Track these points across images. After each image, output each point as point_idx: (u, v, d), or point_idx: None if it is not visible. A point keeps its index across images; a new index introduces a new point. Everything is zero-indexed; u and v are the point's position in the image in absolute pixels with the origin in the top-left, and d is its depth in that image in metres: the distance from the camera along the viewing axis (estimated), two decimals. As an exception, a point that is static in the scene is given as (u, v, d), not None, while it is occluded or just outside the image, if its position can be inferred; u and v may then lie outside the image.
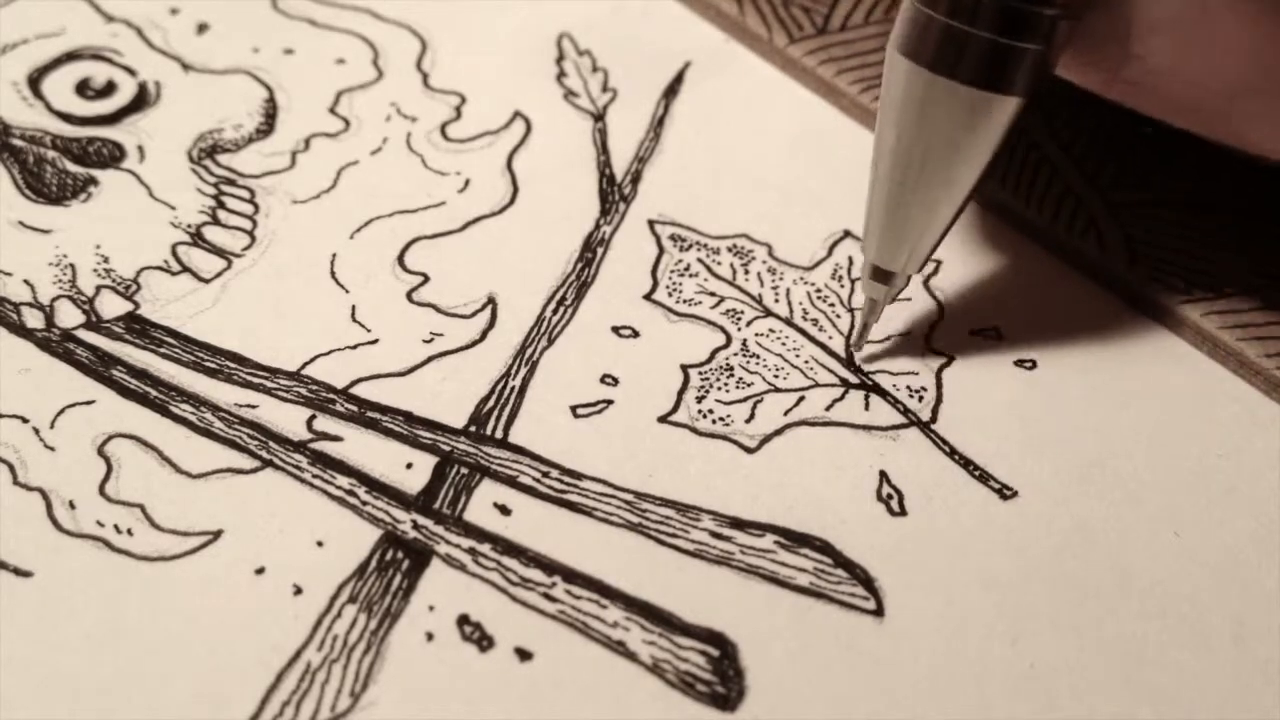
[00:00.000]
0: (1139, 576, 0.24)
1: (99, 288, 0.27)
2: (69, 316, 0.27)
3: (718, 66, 0.32)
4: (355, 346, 0.26)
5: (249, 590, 0.23)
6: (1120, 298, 0.28)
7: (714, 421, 0.25)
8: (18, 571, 0.23)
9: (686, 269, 0.28)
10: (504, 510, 0.24)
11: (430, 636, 0.22)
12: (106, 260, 0.28)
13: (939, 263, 0.28)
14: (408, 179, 0.30)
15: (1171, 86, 0.22)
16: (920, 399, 0.26)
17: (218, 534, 0.23)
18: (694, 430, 0.25)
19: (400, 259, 0.28)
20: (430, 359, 0.26)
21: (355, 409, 0.25)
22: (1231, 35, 0.21)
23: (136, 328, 0.27)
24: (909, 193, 0.23)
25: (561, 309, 0.27)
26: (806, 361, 0.27)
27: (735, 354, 0.27)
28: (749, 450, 0.25)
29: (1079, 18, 0.22)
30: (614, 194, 0.29)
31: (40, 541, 0.23)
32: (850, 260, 0.28)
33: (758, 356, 0.27)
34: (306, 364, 0.26)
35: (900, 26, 0.23)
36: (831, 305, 0.27)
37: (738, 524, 0.24)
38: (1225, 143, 0.23)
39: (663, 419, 0.25)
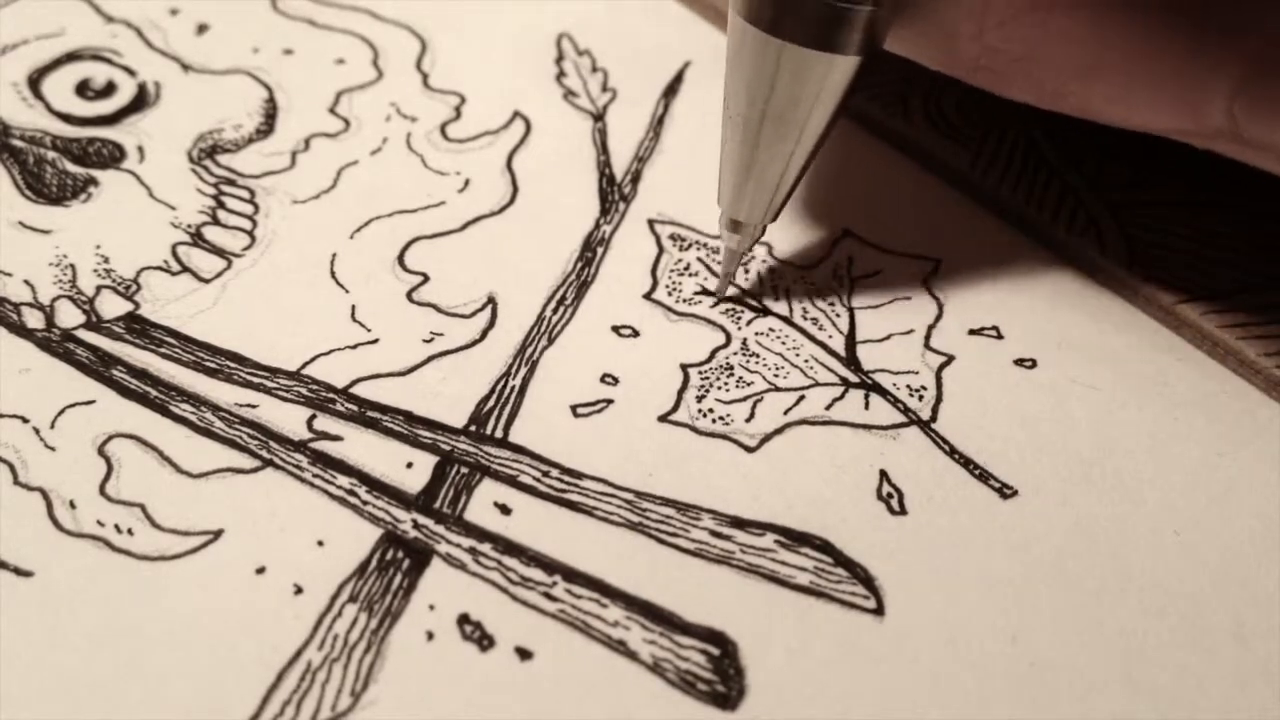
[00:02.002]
0: (1139, 575, 0.24)
1: (99, 288, 0.27)
2: (69, 316, 0.27)
3: (717, 66, 0.32)
4: (355, 346, 0.26)
5: (249, 590, 0.23)
6: (1120, 297, 0.28)
7: (714, 421, 0.25)
8: (18, 571, 0.23)
9: (686, 268, 0.28)
10: (504, 510, 0.24)
11: (431, 636, 0.22)
12: (106, 260, 0.28)
13: (938, 261, 0.28)
14: (408, 179, 0.30)
15: (1025, 75, 0.23)
16: (920, 398, 0.26)
17: (218, 533, 0.23)
18: (694, 429, 0.25)
19: (400, 259, 0.28)
20: (430, 359, 0.26)
21: (355, 409, 0.25)
22: (1077, 20, 0.22)
23: (136, 328, 0.27)
24: (757, 150, 0.25)
25: (561, 308, 0.27)
26: (806, 361, 0.27)
27: (735, 353, 0.27)
28: (749, 449, 0.25)
29: None
30: (614, 193, 0.29)
31: (41, 541, 0.23)
32: (850, 260, 0.28)
33: (758, 356, 0.27)
34: (306, 364, 0.26)
35: None
36: (831, 304, 0.27)
37: (738, 523, 0.24)
38: (1094, 120, 0.24)
39: (663, 418, 0.25)
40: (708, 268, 0.28)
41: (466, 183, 0.30)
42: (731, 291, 0.27)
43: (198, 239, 0.28)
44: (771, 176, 0.25)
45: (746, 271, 0.28)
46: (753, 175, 0.25)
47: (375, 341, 0.27)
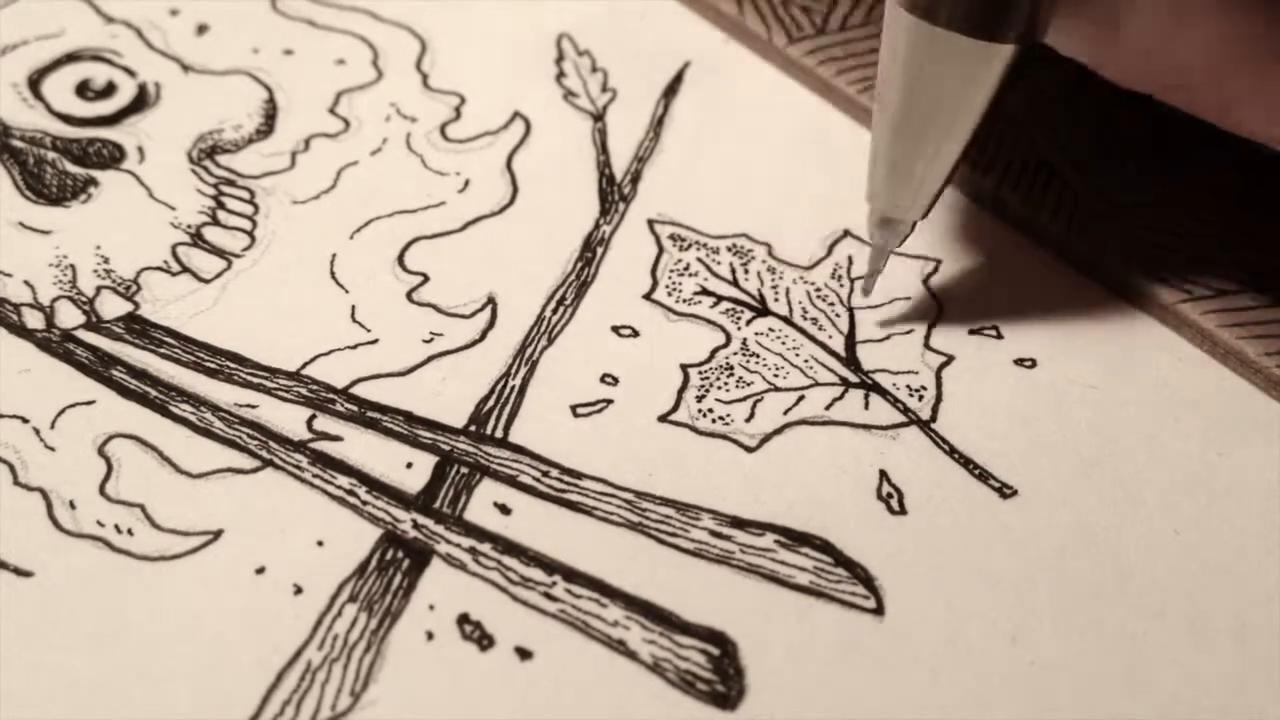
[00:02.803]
0: (1139, 575, 0.24)
1: (99, 288, 0.27)
2: (69, 317, 0.27)
3: (717, 66, 0.32)
4: (355, 346, 0.26)
5: (249, 590, 0.23)
6: (1120, 296, 0.28)
7: (714, 421, 0.25)
8: (18, 571, 0.23)
9: (686, 268, 0.28)
10: (504, 509, 0.24)
11: (430, 636, 0.22)
12: (106, 261, 0.28)
13: (938, 262, 0.28)
14: (407, 179, 0.30)
15: (1158, 66, 0.23)
16: (920, 398, 0.26)
17: (218, 534, 0.23)
18: (694, 429, 0.25)
19: (400, 259, 0.28)
20: (430, 359, 0.26)
21: (355, 409, 0.25)
22: (1214, 16, 0.21)
23: (136, 328, 0.27)
24: (912, 142, 0.24)
25: (561, 308, 0.27)
26: (806, 361, 0.27)
27: (735, 353, 0.27)
28: (749, 449, 0.25)
29: None
30: (614, 194, 0.29)
31: (41, 541, 0.23)
32: (850, 259, 0.28)
33: (757, 356, 0.27)
34: (306, 364, 0.26)
35: None
36: (831, 305, 0.27)
37: (738, 523, 0.24)
38: (1215, 122, 0.24)
39: (663, 418, 0.25)
40: (707, 268, 0.28)
41: (466, 183, 0.30)
42: (865, 301, 0.27)
43: (198, 239, 0.28)
44: (922, 171, 0.25)
45: (745, 272, 0.28)
46: (905, 170, 0.25)
47: (375, 342, 0.27)
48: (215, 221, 0.29)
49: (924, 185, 0.25)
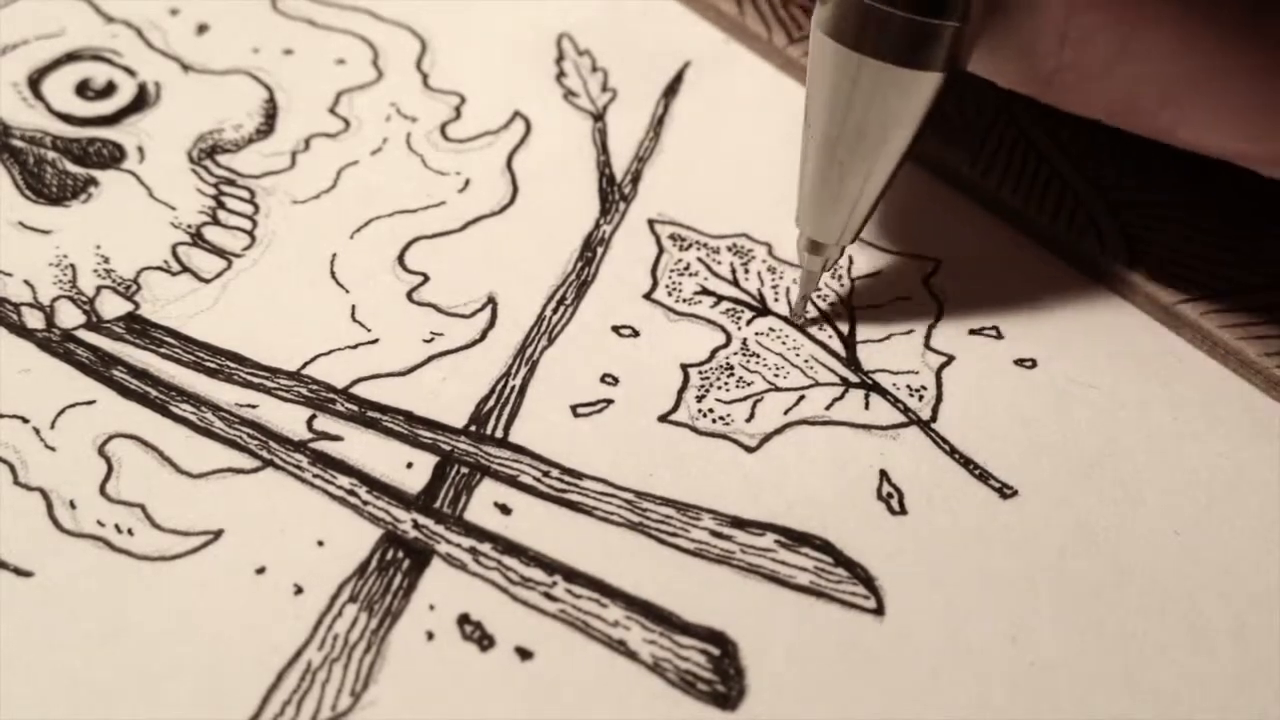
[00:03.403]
0: (1139, 575, 0.24)
1: (99, 288, 0.27)
2: (69, 317, 0.27)
3: (717, 66, 0.32)
4: (355, 346, 0.26)
5: (249, 590, 0.23)
6: (1120, 297, 0.28)
7: (714, 421, 0.25)
8: (18, 571, 0.23)
9: (686, 268, 0.28)
10: (504, 509, 0.24)
11: (431, 636, 0.22)
12: (107, 260, 0.28)
13: (938, 262, 0.28)
14: (408, 179, 0.30)
15: (1100, 92, 0.23)
16: (920, 398, 0.26)
17: (218, 534, 0.23)
18: (694, 429, 0.25)
19: (400, 259, 0.28)
20: (430, 358, 0.26)
21: (355, 409, 0.25)
22: (1157, 41, 0.22)
23: (137, 328, 0.27)
24: (838, 168, 0.24)
25: (561, 308, 0.27)
26: (806, 360, 0.27)
27: (735, 353, 0.27)
28: (749, 449, 0.25)
29: None
30: (614, 193, 0.29)
31: (41, 541, 0.23)
32: (850, 259, 0.28)
33: (758, 356, 0.27)
34: (307, 364, 0.26)
35: (823, 7, 0.23)
36: (831, 304, 0.27)
37: (738, 523, 0.24)
38: (1164, 141, 0.24)
39: (663, 418, 0.25)
40: (707, 267, 0.28)
41: (467, 183, 0.30)
42: (811, 313, 0.27)
43: (198, 239, 0.28)
44: (851, 196, 0.25)
45: (746, 272, 0.28)
46: (833, 195, 0.25)
47: (375, 341, 0.27)
48: (215, 221, 0.29)
49: (852, 211, 0.25)
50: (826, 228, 0.25)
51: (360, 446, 0.25)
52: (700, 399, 0.26)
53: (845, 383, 0.26)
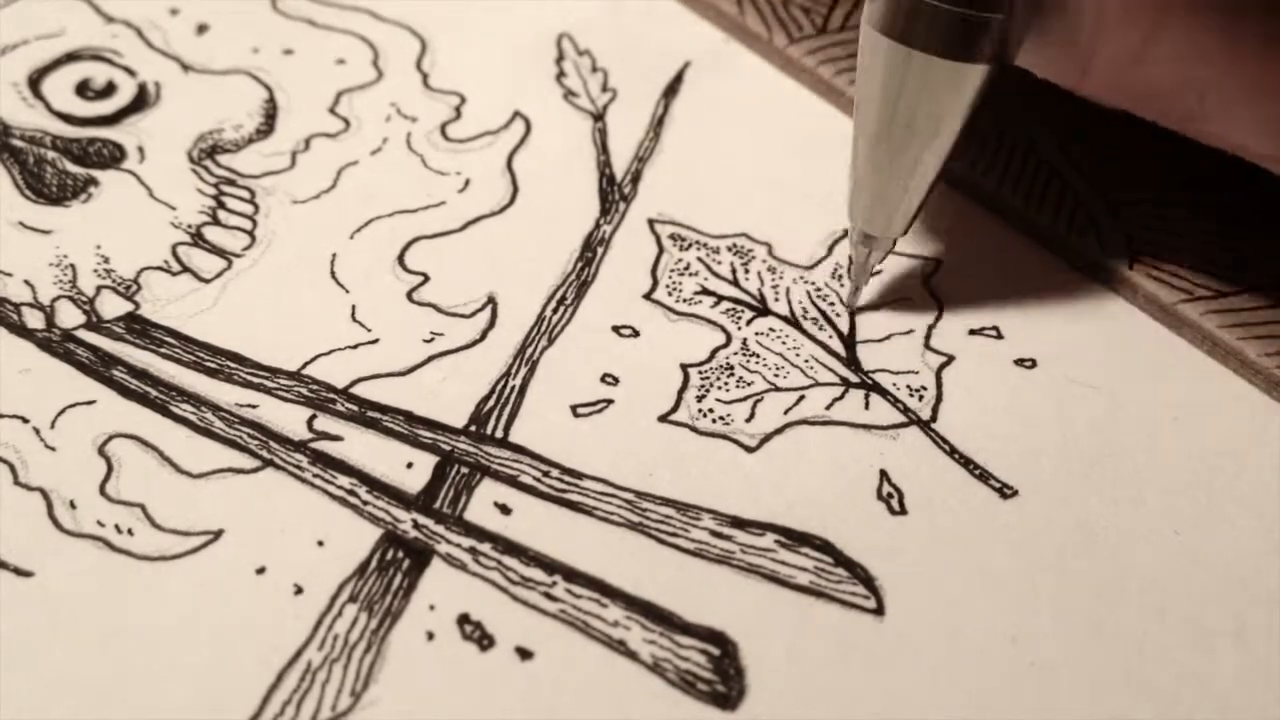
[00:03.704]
0: (1139, 575, 0.24)
1: (99, 288, 0.27)
2: (69, 317, 0.27)
3: (717, 66, 0.32)
4: (355, 346, 0.26)
5: (250, 590, 0.23)
6: (1120, 297, 0.28)
7: (714, 421, 0.25)
8: (18, 571, 0.23)
9: (686, 268, 0.28)
10: (504, 509, 0.24)
11: (431, 636, 0.22)
12: (107, 260, 0.28)
13: (938, 262, 0.28)
14: (408, 179, 0.30)
15: (1129, 84, 0.23)
16: (920, 398, 0.26)
17: (218, 534, 0.23)
18: (694, 429, 0.25)
19: (400, 259, 0.28)
20: (430, 358, 0.26)
21: (355, 409, 0.25)
22: (1180, 34, 0.22)
23: (137, 328, 0.27)
24: (889, 160, 0.25)
25: (562, 308, 0.27)
26: (806, 360, 0.27)
27: (735, 353, 0.27)
28: (749, 449, 0.25)
29: None
30: (614, 193, 0.29)
31: (41, 541, 0.23)
32: (850, 260, 0.28)
33: (758, 356, 0.27)
34: (307, 364, 0.26)
35: (872, 3, 0.24)
36: (831, 304, 0.27)
37: (738, 523, 0.24)
38: (1186, 134, 0.24)
39: (663, 418, 0.25)
40: (708, 267, 0.28)
41: (467, 183, 0.30)
42: (864, 301, 0.27)
43: (198, 239, 0.28)
44: (902, 188, 0.25)
45: (746, 272, 0.28)
46: (884, 187, 0.25)
47: (375, 341, 0.27)
48: (215, 221, 0.29)
49: (903, 203, 0.25)
50: (878, 220, 0.26)
51: (360, 446, 0.25)
52: (700, 399, 0.26)
53: (845, 383, 0.26)
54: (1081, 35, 0.23)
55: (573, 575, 0.23)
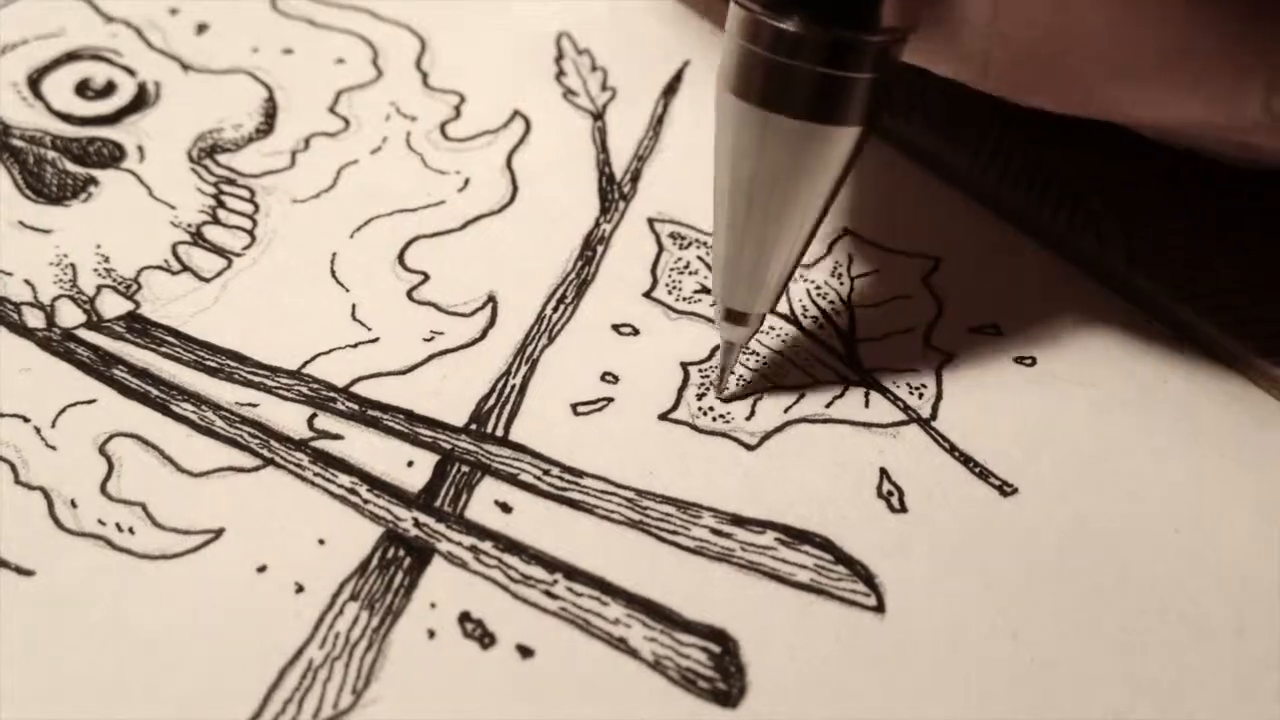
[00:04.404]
0: (1139, 573, 0.24)
1: (99, 287, 0.27)
2: (70, 316, 0.27)
3: (717, 65, 0.32)
4: (356, 345, 0.26)
5: (250, 588, 0.23)
6: (1119, 295, 0.28)
7: (714, 419, 0.25)
8: (19, 570, 0.23)
9: (686, 266, 0.28)
10: (505, 508, 0.24)
11: (432, 634, 0.22)
12: (107, 260, 0.28)
13: (938, 260, 0.28)
14: (407, 178, 0.30)
15: (1046, 73, 0.21)
16: (920, 396, 0.26)
17: (219, 532, 0.23)
18: (694, 428, 0.25)
19: (400, 258, 0.28)
20: (431, 357, 0.26)
21: (356, 407, 0.25)
22: (1092, 5, 0.20)
23: (137, 327, 0.27)
24: (752, 232, 0.23)
25: (562, 307, 0.27)
26: (806, 359, 0.27)
27: (735, 351, 0.27)
28: (749, 447, 0.25)
29: (906, 40, 0.21)
30: (614, 192, 0.29)
31: (42, 540, 0.23)
32: (850, 258, 0.28)
33: (757, 354, 0.27)
34: (307, 363, 0.26)
35: (726, 64, 0.22)
36: (831, 303, 0.27)
37: (738, 521, 0.24)
38: (1116, 121, 0.23)
39: (663, 416, 0.25)
40: (708, 266, 0.28)
41: (466, 182, 0.30)
42: (734, 387, 0.26)
43: (198, 238, 0.28)
44: (770, 261, 0.23)
45: (746, 270, 0.28)
46: (750, 261, 0.23)
47: (376, 340, 0.27)
48: (215, 220, 0.29)
49: (769, 276, 0.24)
50: (745, 296, 0.24)
51: (361, 445, 0.25)
52: (700, 397, 0.26)
53: (845, 381, 0.26)
54: (970, 22, 0.21)
55: (573, 573, 0.23)
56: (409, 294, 0.27)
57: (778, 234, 0.23)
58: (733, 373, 0.26)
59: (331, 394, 0.26)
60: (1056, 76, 0.21)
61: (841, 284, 0.28)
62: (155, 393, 0.25)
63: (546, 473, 0.25)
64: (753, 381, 0.26)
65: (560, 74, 0.32)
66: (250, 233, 0.28)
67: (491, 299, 0.27)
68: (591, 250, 0.28)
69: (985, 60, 0.22)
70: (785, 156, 0.22)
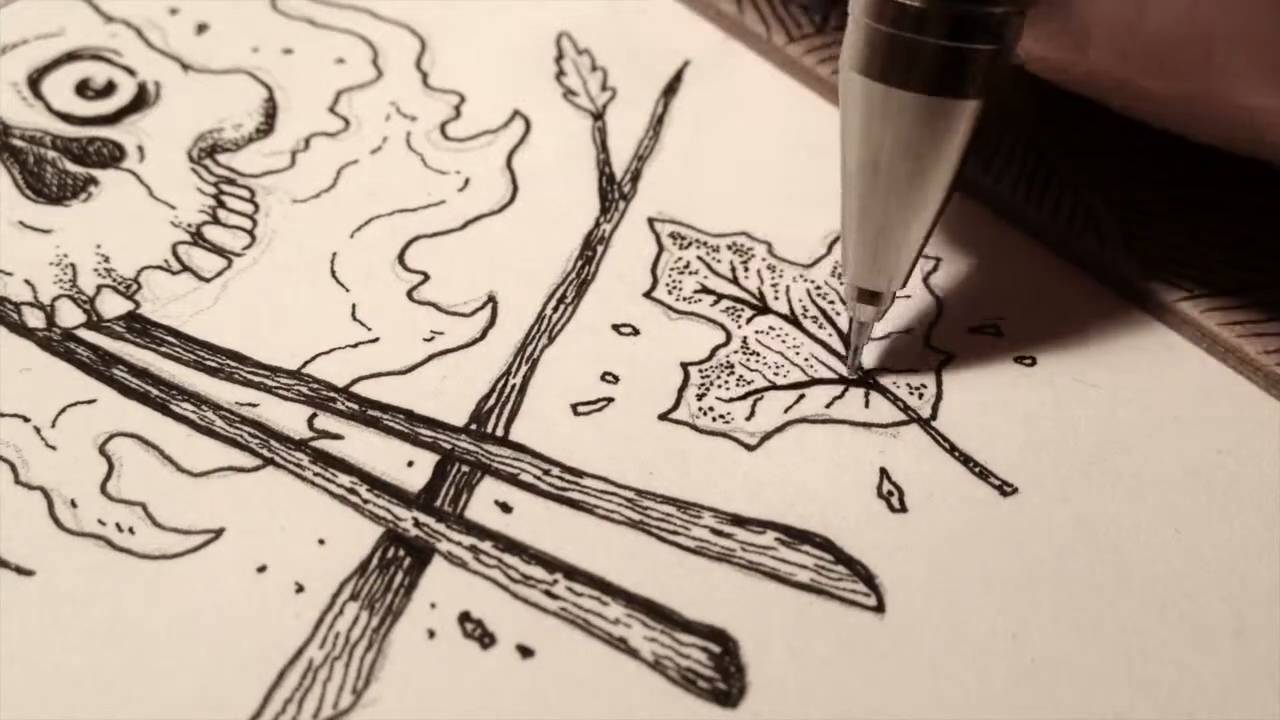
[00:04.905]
0: (1139, 573, 0.24)
1: (99, 287, 0.27)
2: (70, 316, 0.27)
3: (717, 65, 0.32)
4: (356, 345, 0.26)
5: (250, 588, 0.23)
6: (1119, 294, 0.28)
7: (714, 419, 0.25)
8: (20, 570, 0.23)
9: (686, 266, 0.28)
10: (505, 508, 0.24)
11: (432, 634, 0.22)
12: (107, 260, 0.28)
13: (938, 260, 0.28)
14: (407, 178, 0.30)
15: (1140, 43, 0.22)
16: (920, 396, 0.26)
17: (219, 532, 0.23)
18: (694, 428, 0.25)
19: (400, 257, 0.28)
20: (431, 357, 0.26)
21: (356, 407, 0.25)
22: None
23: (137, 327, 0.27)
24: (881, 210, 0.23)
25: (562, 307, 0.27)
26: (806, 359, 0.27)
27: (735, 351, 0.27)
28: (749, 447, 0.25)
29: (1025, 12, 0.22)
30: (614, 192, 0.29)
31: (42, 540, 0.23)
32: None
33: (758, 354, 0.27)
34: (307, 362, 0.26)
35: (849, 43, 0.22)
36: (831, 302, 0.27)
37: (738, 521, 0.24)
38: (1202, 104, 0.23)
39: (663, 416, 0.25)
40: (707, 266, 0.28)
41: (466, 182, 0.30)
42: (867, 364, 0.26)
43: (198, 238, 0.28)
44: (898, 239, 0.24)
45: (746, 270, 0.28)
46: (879, 240, 0.24)
47: (376, 340, 0.27)
48: (216, 220, 0.29)
49: (899, 254, 0.24)
50: (877, 275, 0.24)
51: (361, 445, 0.25)
52: (700, 397, 0.26)
53: (845, 381, 0.26)
54: (1078, 3, 0.22)
55: (573, 573, 0.23)
56: (409, 294, 0.27)
57: (905, 211, 0.23)
58: (860, 350, 0.26)
59: (331, 394, 0.26)
60: (1147, 53, 0.22)
61: (842, 284, 0.28)
62: (155, 393, 0.25)
63: (546, 473, 0.25)
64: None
65: (560, 74, 0.32)
66: (250, 233, 0.28)
67: (491, 299, 0.27)
68: (591, 250, 0.28)
69: (1084, 37, 0.22)
70: (910, 132, 0.22)
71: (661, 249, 0.28)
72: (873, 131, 0.23)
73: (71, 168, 0.30)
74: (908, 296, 0.28)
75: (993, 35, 0.22)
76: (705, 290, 0.28)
